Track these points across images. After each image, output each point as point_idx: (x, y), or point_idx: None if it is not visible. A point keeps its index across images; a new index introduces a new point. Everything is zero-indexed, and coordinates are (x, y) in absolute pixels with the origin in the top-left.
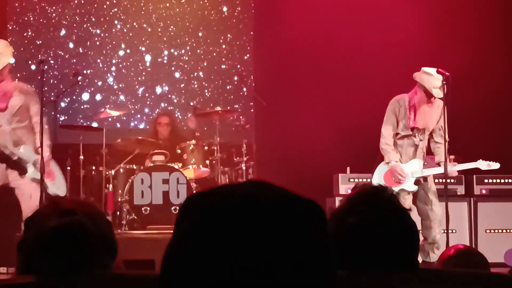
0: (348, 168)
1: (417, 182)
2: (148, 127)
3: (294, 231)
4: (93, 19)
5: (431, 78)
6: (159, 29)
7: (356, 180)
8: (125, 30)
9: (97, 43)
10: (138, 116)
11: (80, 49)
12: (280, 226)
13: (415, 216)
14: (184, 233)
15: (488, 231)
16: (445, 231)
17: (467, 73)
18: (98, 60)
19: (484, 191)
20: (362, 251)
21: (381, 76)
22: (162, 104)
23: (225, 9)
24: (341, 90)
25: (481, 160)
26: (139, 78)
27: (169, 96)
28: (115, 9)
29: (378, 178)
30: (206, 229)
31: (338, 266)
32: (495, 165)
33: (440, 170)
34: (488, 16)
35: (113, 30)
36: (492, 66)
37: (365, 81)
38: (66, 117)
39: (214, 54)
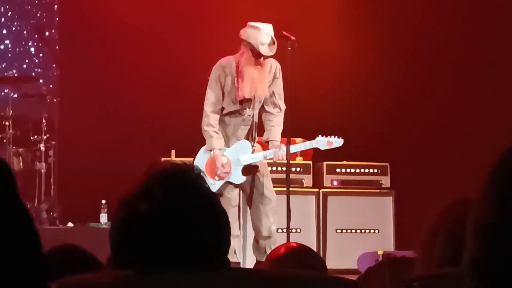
0: (173, 152)
1: (246, 170)
2: None
3: None
4: None
5: (258, 32)
6: None
7: None
8: None
9: None
10: None
11: None
12: None
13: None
14: None
15: (339, 231)
16: (286, 230)
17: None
18: None
19: (335, 183)
20: (157, 246)
21: (207, 44)
22: None
23: None
24: (164, 62)
25: (320, 136)
26: None
27: None
28: None
29: (199, 166)
30: None
31: (127, 264)
32: (338, 142)
33: (271, 154)
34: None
35: None
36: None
37: (190, 52)
38: None
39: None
